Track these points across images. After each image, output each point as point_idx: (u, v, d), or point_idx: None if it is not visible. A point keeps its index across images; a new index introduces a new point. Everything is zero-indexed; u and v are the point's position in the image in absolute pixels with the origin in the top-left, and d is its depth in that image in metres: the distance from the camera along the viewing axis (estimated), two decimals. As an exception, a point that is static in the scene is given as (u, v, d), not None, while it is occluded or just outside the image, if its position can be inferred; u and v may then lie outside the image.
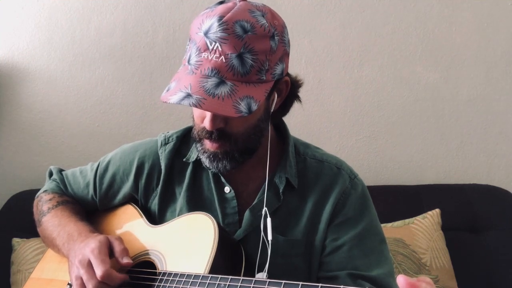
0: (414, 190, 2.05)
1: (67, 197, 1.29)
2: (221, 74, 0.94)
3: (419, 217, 1.90)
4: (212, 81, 0.94)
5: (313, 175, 1.14)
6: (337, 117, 2.13)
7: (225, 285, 0.90)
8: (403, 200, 2.00)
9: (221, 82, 0.94)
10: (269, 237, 1.04)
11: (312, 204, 1.11)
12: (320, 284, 0.79)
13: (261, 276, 1.03)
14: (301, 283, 0.81)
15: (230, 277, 0.90)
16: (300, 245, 1.09)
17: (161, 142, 1.20)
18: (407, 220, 1.89)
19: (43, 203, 1.27)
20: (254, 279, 0.88)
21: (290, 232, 1.10)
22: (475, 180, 2.17)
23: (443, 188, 2.08)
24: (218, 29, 0.94)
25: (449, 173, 2.19)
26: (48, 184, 1.32)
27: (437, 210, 1.93)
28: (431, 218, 1.90)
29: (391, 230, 1.85)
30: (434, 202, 1.97)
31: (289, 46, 1.05)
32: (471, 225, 1.99)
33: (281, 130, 1.19)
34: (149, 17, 2.02)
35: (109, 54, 2.01)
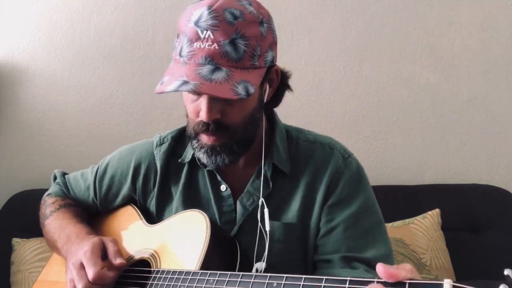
0: (414, 190, 2.05)
1: (70, 200, 1.30)
2: (215, 61, 0.94)
3: (419, 217, 1.90)
4: (207, 68, 0.94)
5: (305, 157, 1.12)
6: (337, 117, 2.13)
7: (214, 280, 0.90)
8: (403, 200, 2.00)
9: (216, 69, 0.94)
10: (267, 227, 1.03)
11: (304, 186, 1.10)
12: (304, 276, 0.79)
13: (260, 265, 1.02)
14: (285, 275, 0.81)
15: (219, 272, 0.91)
16: (296, 229, 1.08)
17: (156, 143, 1.20)
18: (407, 220, 1.89)
19: (47, 206, 1.29)
20: (241, 273, 0.88)
21: (284, 216, 1.09)
22: (475, 180, 2.17)
23: (443, 188, 2.09)
24: (208, 17, 0.94)
25: (449, 173, 2.19)
26: (52, 188, 1.34)
27: (437, 210, 1.93)
28: (431, 218, 1.90)
29: (391, 230, 1.85)
30: (434, 202, 1.97)
31: (276, 36, 1.05)
32: (471, 225, 1.99)
33: (271, 119, 1.18)
34: (149, 17, 2.02)
35: (109, 54, 2.01)
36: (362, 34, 2.12)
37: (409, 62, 2.15)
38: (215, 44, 0.94)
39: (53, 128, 2.00)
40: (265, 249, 1.04)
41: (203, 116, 0.99)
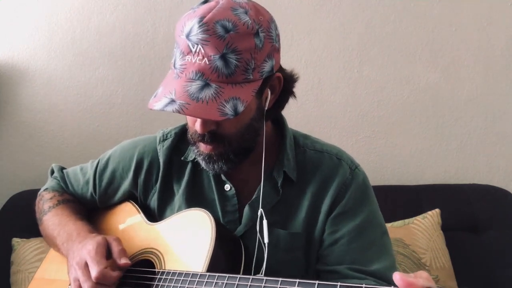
0: (414, 190, 2.05)
1: (68, 196, 1.29)
2: (205, 76, 0.93)
3: (419, 217, 1.90)
4: (196, 85, 0.93)
5: (312, 166, 1.12)
6: (337, 117, 2.13)
7: (223, 283, 0.90)
8: (403, 200, 2.00)
9: (205, 85, 0.93)
10: (265, 240, 1.03)
11: (311, 196, 1.09)
12: (317, 282, 0.79)
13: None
14: (298, 280, 0.81)
15: (228, 275, 0.90)
16: (301, 238, 1.09)
17: (160, 139, 1.19)
18: (407, 220, 1.89)
19: (44, 202, 1.27)
20: (251, 277, 0.88)
21: (290, 225, 1.09)
22: (475, 180, 2.17)
23: (443, 188, 2.08)
24: (198, 30, 0.92)
25: (449, 173, 2.19)
26: (49, 182, 1.33)
27: (437, 210, 1.93)
28: (431, 218, 1.90)
29: (391, 230, 1.83)
30: (434, 202, 1.97)
31: (278, 41, 1.02)
32: (471, 225, 1.99)
33: (280, 124, 1.17)
34: (149, 17, 2.02)
35: (109, 54, 2.01)
36: (362, 34, 2.12)
37: (409, 62, 2.14)
38: (205, 59, 0.92)
39: (53, 128, 2.00)
40: (263, 260, 1.03)
41: (197, 128, 0.99)
